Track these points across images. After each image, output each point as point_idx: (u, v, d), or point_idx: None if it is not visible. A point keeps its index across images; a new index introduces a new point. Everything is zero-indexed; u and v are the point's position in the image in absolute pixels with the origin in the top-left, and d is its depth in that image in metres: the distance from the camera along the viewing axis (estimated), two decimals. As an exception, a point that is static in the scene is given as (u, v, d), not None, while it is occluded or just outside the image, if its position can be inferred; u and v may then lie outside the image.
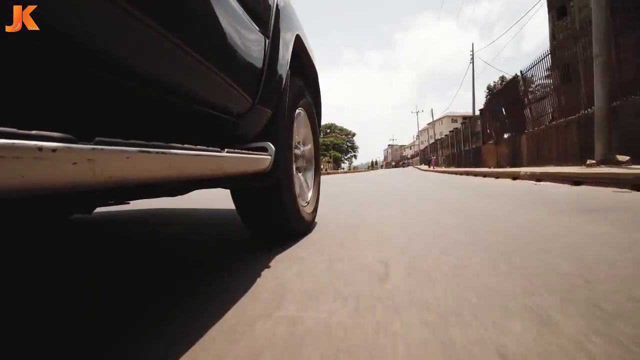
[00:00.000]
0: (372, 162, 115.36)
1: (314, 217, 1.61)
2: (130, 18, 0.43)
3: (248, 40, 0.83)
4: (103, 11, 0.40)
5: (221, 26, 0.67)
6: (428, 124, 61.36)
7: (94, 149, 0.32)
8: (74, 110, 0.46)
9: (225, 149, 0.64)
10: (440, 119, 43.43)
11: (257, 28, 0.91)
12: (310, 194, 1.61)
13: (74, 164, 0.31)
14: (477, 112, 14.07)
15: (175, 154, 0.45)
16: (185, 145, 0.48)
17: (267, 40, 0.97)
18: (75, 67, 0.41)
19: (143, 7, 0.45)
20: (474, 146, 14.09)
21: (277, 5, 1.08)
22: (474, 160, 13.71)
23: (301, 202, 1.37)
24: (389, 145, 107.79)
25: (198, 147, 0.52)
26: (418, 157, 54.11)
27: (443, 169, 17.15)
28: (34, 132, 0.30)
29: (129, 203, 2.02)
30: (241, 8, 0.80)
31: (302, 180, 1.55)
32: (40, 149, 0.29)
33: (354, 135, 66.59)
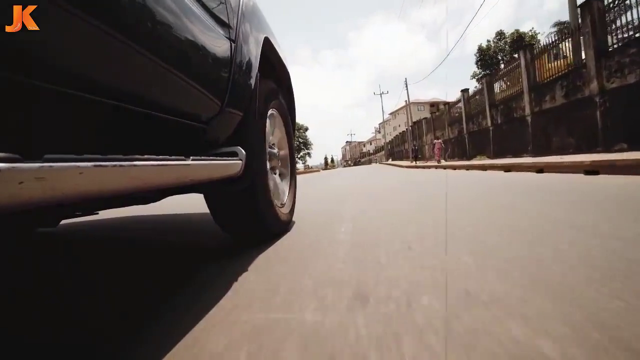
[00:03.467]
0: (325, 159, 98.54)
1: (291, 218, 1.62)
2: (82, 21, 0.42)
3: (212, 43, 0.82)
4: (50, 13, 0.38)
5: (182, 30, 0.66)
6: (390, 114, 57.16)
7: (41, 167, 0.31)
8: (23, 126, 0.44)
9: (191, 157, 0.64)
10: (403, 107, 37.38)
11: (222, 31, 0.90)
12: (286, 195, 1.62)
13: (21, 183, 0.30)
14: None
15: (135, 165, 0.44)
16: (146, 156, 0.48)
17: (232, 43, 0.96)
18: (21, 78, 0.39)
19: (96, 9, 0.43)
20: (581, 95, 5.93)
21: (242, 8, 1.07)
22: (607, 137, 5.48)
23: (277, 203, 1.37)
24: (346, 142, 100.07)
25: (160, 157, 0.52)
26: (384, 152, 41.70)
27: (449, 162, 10.18)
28: (-26, 153, 0.29)
29: (97, 213, 1.94)
30: (203, 11, 0.79)
31: (278, 181, 1.55)
32: (-19, 170, 0.28)
33: (306, 129, 55.18)
